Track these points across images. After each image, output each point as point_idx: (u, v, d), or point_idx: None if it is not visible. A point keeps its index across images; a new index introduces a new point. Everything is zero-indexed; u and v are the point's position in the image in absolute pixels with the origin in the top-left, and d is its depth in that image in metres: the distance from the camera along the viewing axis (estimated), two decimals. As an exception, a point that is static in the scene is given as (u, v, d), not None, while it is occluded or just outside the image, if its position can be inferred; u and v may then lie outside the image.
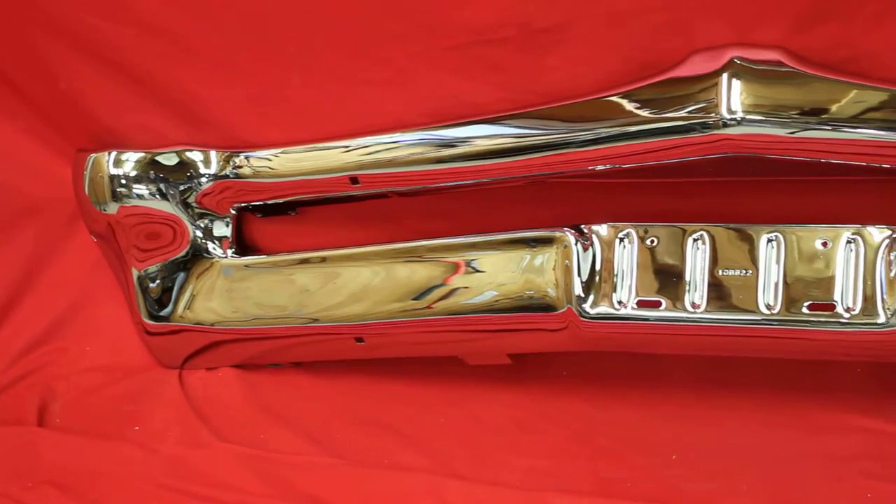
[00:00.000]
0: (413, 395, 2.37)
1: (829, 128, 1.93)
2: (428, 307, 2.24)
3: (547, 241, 2.14)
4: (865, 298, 1.97)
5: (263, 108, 2.31)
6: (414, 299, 2.25)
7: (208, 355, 2.47)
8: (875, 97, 1.92)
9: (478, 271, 2.21)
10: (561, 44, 2.08)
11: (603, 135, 2.04)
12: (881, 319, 1.95)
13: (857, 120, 1.92)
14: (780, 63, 1.95)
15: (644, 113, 2.01)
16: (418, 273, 2.26)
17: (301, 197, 2.34)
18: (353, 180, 2.25)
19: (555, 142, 2.08)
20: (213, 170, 2.34)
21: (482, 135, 2.14)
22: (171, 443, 2.27)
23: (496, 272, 2.19)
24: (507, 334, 2.21)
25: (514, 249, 2.18)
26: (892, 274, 1.95)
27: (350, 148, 2.24)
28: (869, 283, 1.97)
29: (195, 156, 2.35)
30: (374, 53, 2.19)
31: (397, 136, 2.21)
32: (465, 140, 2.16)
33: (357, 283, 2.31)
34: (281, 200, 2.36)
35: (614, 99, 2.04)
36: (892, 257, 1.96)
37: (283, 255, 2.40)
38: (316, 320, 2.33)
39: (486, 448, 2.21)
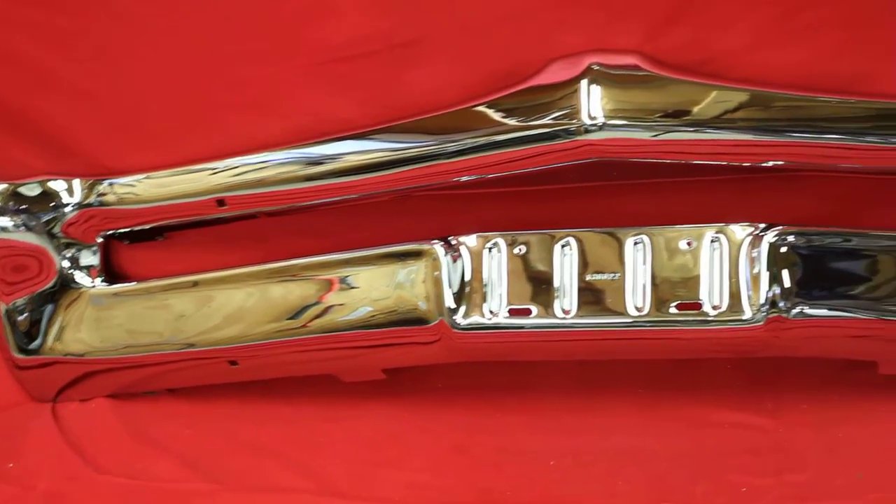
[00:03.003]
0: (289, 414, 2.35)
1: (691, 129, 1.96)
2: (303, 326, 2.22)
3: (416, 255, 2.14)
4: (731, 296, 2.00)
5: (125, 134, 2.28)
6: (289, 318, 2.24)
7: (81, 386, 2.42)
8: (733, 97, 1.96)
9: (352, 287, 2.20)
10: (421, 58, 2.10)
11: (468, 145, 2.06)
12: (747, 316, 1.98)
13: (716, 121, 1.95)
14: (637, 67, 1.98)
15: (508, 122, 2.03)
16: (293, 292, 2.24)
17: (168, 221, 2.31)
18: (220, 202, 2.23)
19: (421, 154, 2.09)
20: (77, 198, 2.31)
21: (349, 151, 2.14)
22: (48, 478, 2.22)
23: (370, 288, 2.18)
24: (382, 349, 2.20)
25: (385, 264, 2.17)
26: (755, 270, 1.98)
27: (217, 170, 2.23)
28: (734, 280, 2.00)
29: (58, 185, 2.31)
30: (233, 75, 2.18)
31: (264, 156, 2.19)
32: (332, 157, 2.16)
33: (231, 306, 2.29)
34: (148, 226, 2.33)
35: (478, 109, 2.06)
36: (754, 254, 1.99)
37: (153, 281, 2.36)
38: (191, 345, 2.30)
39: (366, 464, 2.19)
